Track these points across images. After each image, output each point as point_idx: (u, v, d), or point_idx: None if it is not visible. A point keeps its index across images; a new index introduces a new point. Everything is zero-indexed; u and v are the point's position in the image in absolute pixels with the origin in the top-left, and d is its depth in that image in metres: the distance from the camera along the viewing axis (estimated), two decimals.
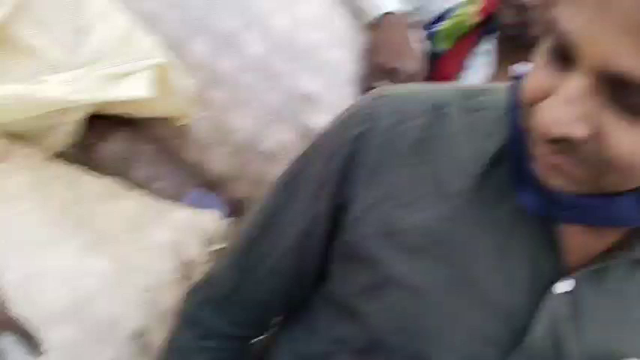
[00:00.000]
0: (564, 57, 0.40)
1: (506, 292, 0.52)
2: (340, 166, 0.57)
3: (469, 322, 0.53)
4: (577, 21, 0.38)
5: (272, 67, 0.97)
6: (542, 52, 0.43)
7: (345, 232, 0.58)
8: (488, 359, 0.53)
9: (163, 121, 0.99)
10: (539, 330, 0.51)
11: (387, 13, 1.02)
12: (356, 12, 1.05)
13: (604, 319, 0.52)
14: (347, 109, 0.61)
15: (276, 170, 1.02)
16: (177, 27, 0.95)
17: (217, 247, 0.92)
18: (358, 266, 0.58)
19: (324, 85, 0.98)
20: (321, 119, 0.98)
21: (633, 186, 0.43)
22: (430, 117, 0.55)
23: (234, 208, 1.07)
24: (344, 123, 0.59)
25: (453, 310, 0.53)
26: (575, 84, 0.39)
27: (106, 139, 1.00)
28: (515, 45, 1.10)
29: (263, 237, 0.65)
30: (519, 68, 0.50)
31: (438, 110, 0.55)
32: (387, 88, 0.62)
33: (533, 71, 0.43)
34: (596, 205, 0.45)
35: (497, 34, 1.15)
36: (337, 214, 0.59)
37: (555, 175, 0.44)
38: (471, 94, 0.57)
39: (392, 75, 0.98)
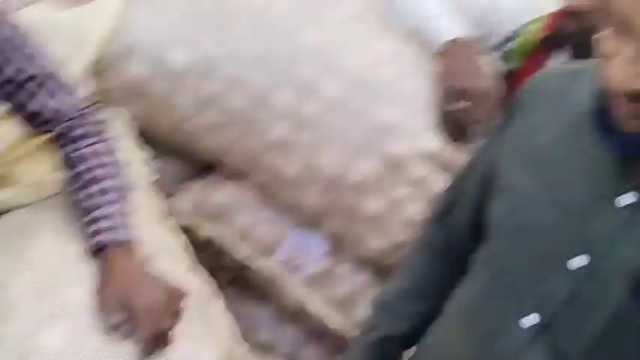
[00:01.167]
0: (621, 30, 0.49)
1: (583, 200, 0.62)
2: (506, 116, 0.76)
3: (552, 222, 0.64)
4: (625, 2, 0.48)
5: (351, 104, 1.04)
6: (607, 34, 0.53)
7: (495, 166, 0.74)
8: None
9: (261, 168, 1.10)
10: (600, 227, 0.60)
11: (452, 40, 1.07)
12: (424, 43, 1.11)
13: None
14: None
15: (366, 202, 1.08)
16: (262, 83, 1.06)
17: None
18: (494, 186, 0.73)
19: (402, 114, 1.03)
20: (403, 146, 1.03)
21: None
22: (568, 80, 0.71)
23: (333, 243, 1.13)
24: None
25: (545, 208, 0.65)
26: (630, 49, 0.48)
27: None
28: (588, 53, 1.10)
29: (461, 179, 0.84)
30: None
31: (575, 74, 0.71)
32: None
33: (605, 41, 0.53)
34: None
35: (569, 46, 1.17)
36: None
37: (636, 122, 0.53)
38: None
39: (464, 96, 1.02)
